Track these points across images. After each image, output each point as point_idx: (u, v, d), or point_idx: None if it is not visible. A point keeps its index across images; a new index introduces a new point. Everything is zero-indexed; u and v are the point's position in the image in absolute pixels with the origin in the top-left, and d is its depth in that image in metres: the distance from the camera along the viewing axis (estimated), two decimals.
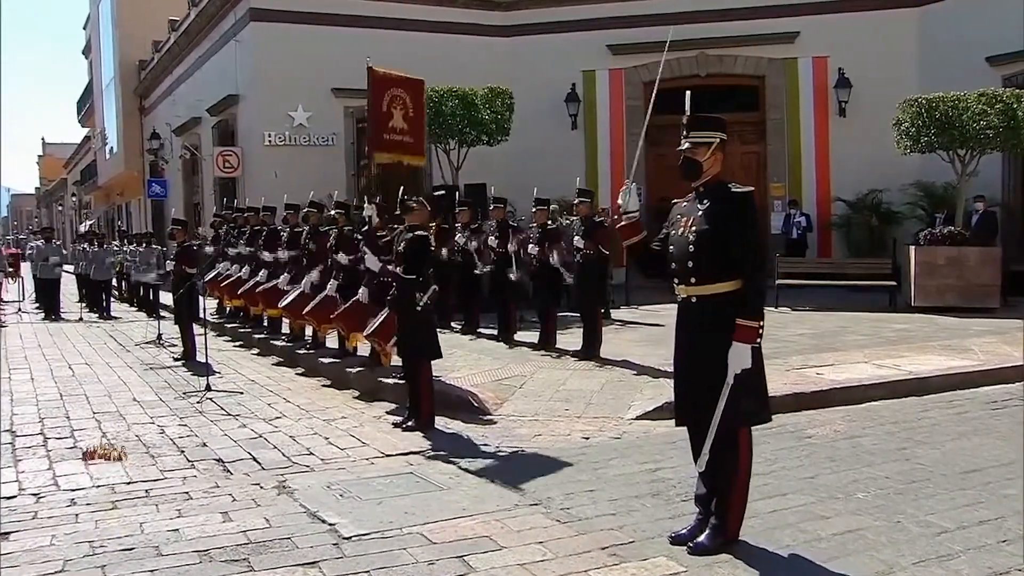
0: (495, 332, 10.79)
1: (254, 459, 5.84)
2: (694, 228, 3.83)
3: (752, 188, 3.89)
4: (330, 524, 4.40)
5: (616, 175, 18.42)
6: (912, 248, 12.56)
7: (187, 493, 5.06)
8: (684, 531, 4.02)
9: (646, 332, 11.03)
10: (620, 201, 4.08)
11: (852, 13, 16.78)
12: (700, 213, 3.84)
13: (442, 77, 14.45)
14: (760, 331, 3.73)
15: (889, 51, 16.40)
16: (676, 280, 3.94)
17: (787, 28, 17.15)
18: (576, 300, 9.34)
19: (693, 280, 3.84)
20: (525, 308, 11.16)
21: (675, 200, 4.10)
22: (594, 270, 9.04)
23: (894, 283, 12.98)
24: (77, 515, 4.70)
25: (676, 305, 4.03)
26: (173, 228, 10.45)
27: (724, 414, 3.74)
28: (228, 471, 5.56)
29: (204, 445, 6.26)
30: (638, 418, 6.85)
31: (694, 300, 3.86)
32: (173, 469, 5.62)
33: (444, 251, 10.38)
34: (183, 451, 6.10)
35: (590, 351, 8.96)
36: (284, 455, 5.93)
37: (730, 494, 3.87)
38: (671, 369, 7.94)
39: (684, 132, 3.92)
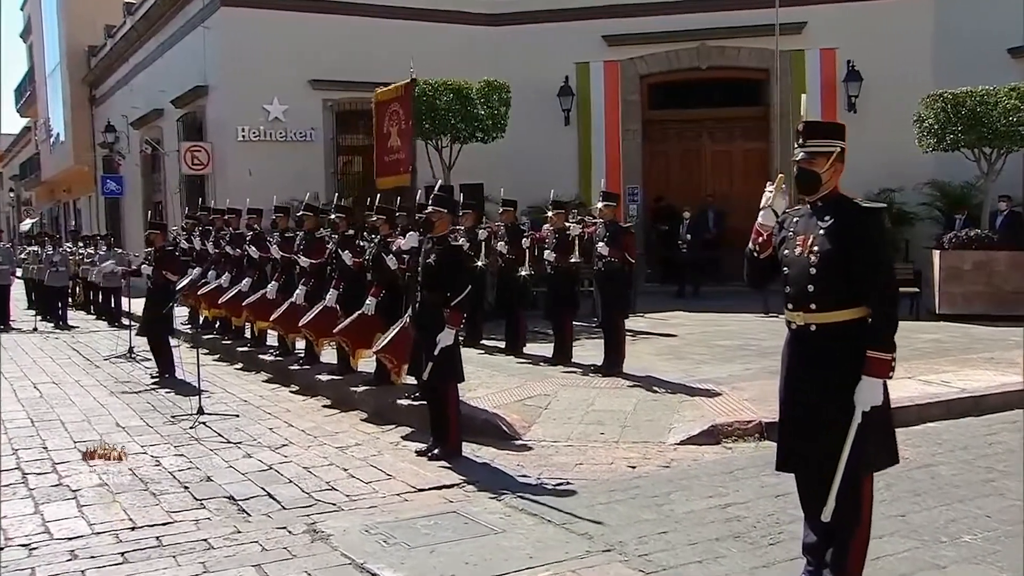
0: (498, 343, 10.49)
1: (271, 496, 5.48)
2: (815, 248, 3.55)
3: (884, 204, 3.64)
4: None
5: (611, 173, 18.16)
6: (936, 252, 12.46)
7: (206, 541, 4.68)
8: None
9: (663, 344, 10.81)
10: (765, 199, 3.77)
11: (862, 2, 16.62)
12: (822, 232, 3.56)
13: (425, 69, 14.03)
14: (893, 364, 3.47)
15: (902, 42, 16.24)
16: (790, 306, 3.66)
17: (793, 18, 16.96)
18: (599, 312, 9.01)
19: (813, 306, 3.57)
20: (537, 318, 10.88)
21: (785, 210, 3.83)
22: (618, 279, 8.76)
23: (916, 289, 12.87)
24: (83, 572, 4.31)
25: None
26: (151, 232, 9.98)
27: (849, 459, 3.47)
28: (245, 512, 5.19)
29: (209, 479, 5.88)
30: (682, 443, 6.62)
31: (813, 328, 3.58)
32: (181, 510, 5.24)
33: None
34: (187, 487, 5.72)
35: (613, 366, 8.69)
36: (303, 491, 5.58)
37: (849, 548, 3.60)
38: (703, 386, 7.99)
39: (799, 140, 3.65)
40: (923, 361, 9.00)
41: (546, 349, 9.93)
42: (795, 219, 3.75)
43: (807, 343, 3.62)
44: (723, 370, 8.81)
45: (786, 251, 3.70)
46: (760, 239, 3.79)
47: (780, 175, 3.82)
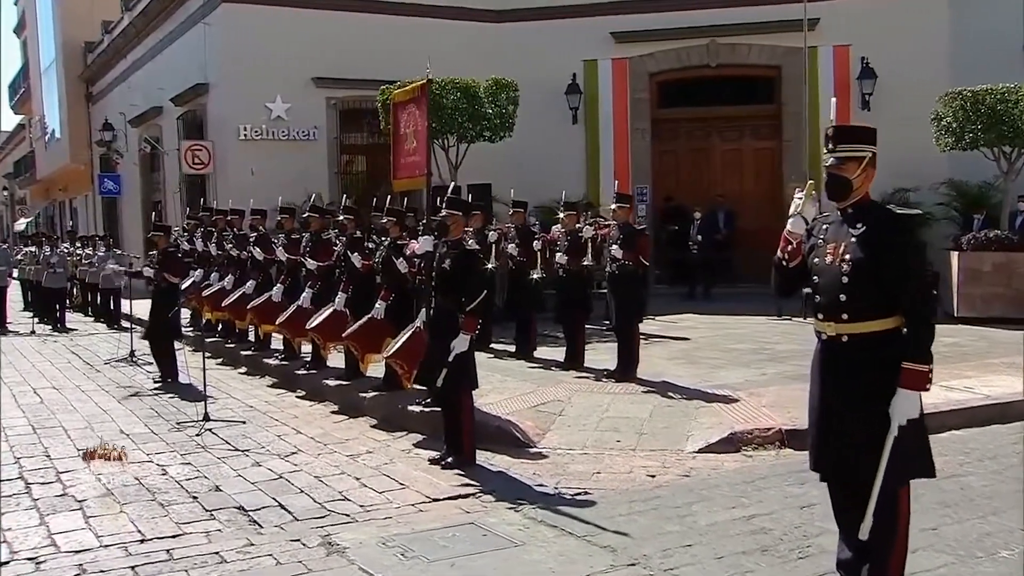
0: (508, 347, 10.44)
1: (282, 507, 5.42)
2: (847, 256, 3.49)
3: (919, 211, 3.58)
4: None
5: (620, 173, 18.05)
6: (954, 253, 12.40)
7: (218, 554, 4.62)
8: None
9: (675, 347, 10.76)
10: (795, 207, 3.71)
11: None
12: (854, 239, 3.50)
13: (431, 67, 13.98)
14: (930, 376, 3.41)
15: (917, 39, 16.15)
16: (821, 315, 3.60)
17: (807, 14, 16.92)
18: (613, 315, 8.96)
19: (845, 316, 3.51)
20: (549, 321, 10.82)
21: (814, 218, 3.77)
22: (632, 282, 8.71)
23: (934, 291, 12.78)
24: None
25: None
26: (154, 234, 9.96)
27: (886, 473, 3.41)
28: (257, 523, 5.14)
29: (218, 489, 5.82)
30: (701, 451, 6.57)
31: (845, 339, 3.53)
32: (191, 522, 5.18)
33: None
34: (196, 497, 5.66)
35: (627, 371, 8.63)
36: (315, 501, 5.53)
37: (887, 565, 3.54)
38: (720, 392, 7.93)
39: (829, 145, 3.59)
40: (943, 366, 8.78)
41: (557, 353, 9.89)
42: (825, 226, 3.69)
43: (839, 354, 3.56)
44: (739, 375, 8.76)
45: (816, 259, 3.64)
46: (789, 247, 3.73)
47: (810, 181, 3.76)
